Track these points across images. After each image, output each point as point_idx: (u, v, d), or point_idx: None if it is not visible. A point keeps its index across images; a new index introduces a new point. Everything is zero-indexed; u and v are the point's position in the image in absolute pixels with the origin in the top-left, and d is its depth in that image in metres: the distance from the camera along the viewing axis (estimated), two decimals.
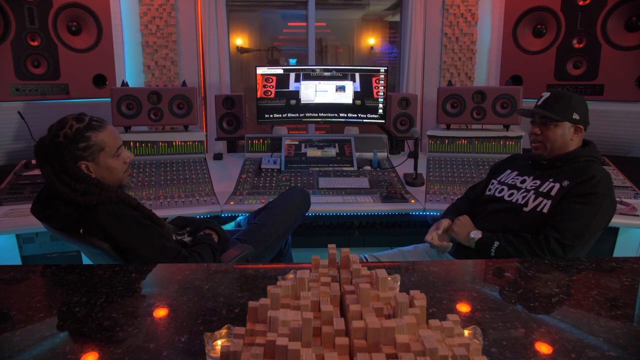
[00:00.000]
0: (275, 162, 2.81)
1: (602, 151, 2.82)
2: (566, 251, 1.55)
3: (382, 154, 2.99)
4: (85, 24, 2.90)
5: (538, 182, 1.73)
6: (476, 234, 1.69)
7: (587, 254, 1.69)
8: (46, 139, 1.44)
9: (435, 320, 0.73)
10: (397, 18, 4.11)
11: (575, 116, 1.68)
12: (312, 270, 0.93)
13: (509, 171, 1.90)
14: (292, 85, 2.97)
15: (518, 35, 3.16)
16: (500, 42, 3.29)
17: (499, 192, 1.83)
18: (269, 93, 2.97)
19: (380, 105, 3.01)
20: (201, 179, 2.65)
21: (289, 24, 4.50)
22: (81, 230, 1.43)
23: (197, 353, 0.84)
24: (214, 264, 1.52)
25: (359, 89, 3.00)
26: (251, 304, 0.76)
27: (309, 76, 2.98)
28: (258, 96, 2.96)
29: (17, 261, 2.17)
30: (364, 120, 3.04)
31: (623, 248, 2.24)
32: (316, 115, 3.04)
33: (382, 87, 3.00)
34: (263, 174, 2.73)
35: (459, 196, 2.13)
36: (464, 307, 1.03)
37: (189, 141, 2.87)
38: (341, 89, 3.00)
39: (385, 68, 2.99)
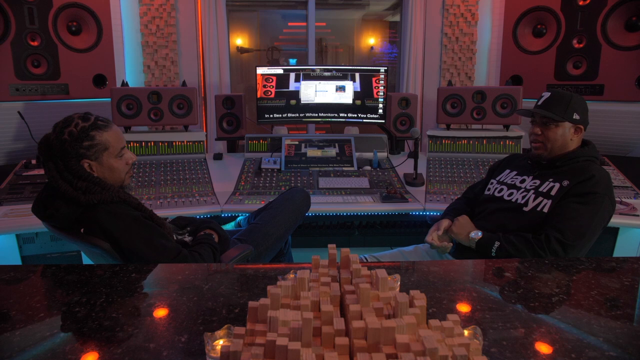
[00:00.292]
0: (275, 162, 2.81)
1: (602, 151, 2.83)
2: (567, 251, 1.55)
3: (382, 154, 2.99)
4: (85, 24, 2.90)
5: (538, 181, 1.73)
6: (476, 234, 1.69)
7: (587, 254, 1.69)
8: (51, 135, 1.44)
9: (435, 320, 0.73)
10: (397, 18, 4.11)
11: (576, 116, 1.68)
12: (312, 270, 0.93)
13: (508, 171, 1.90)
14: (292, 85, 2.98)
15: (518, 35, 3.16)
16: (500, 42, 3.29)
17: (499, 192, 1.83)
18: (269, 93, 2.97)
19: (380, 105, 3.01)
20: (201, 179, 2.65)
21: (289, 24, 4.50)
22: (82, 230, 1.43)
23: (197, 353, 0.84)
24: (214, 264, 1.53)
25: (359, 89, 3.00)
26: (251, 304, 0.76)
27: (309, 76, 2.98)
28: (258, 96, 2.96)
29: (17, 261, 2.17)
30: (364, 120, 3.04)
31: (623, 248, 2.24)
32: (316, 115, 3.04)
33: (382, 87, 3.00)
34: (263, 174, 2.73)
35: (459, 196, 2.13)
36: (464, 307, 1.03)
37: (189, 141, 2.87)
38: (341, 89, 3.00)
39: (385, 68, 2.99)
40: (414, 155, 2.63)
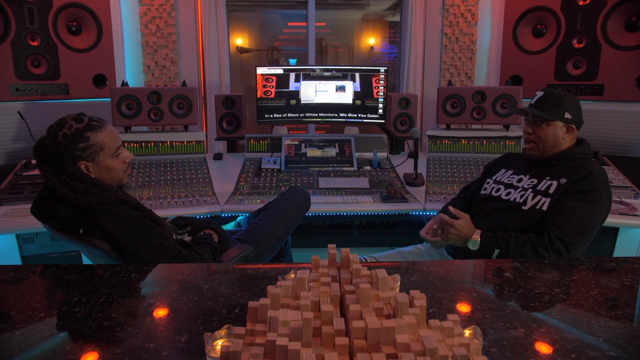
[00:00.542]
0: (275, 162, 2.81)
1: (602, 151, 2.83)
2: (569, 249, 1.55)
3: (382, 154, 2.99)
4: (85, 24, 2.90)
5: (535, 180, 1.73)
6: (474, 245, 1.64)
7: (586, 254, 1.70)
8: (45, 139, 1.44)
9: (435, 320, 0.73)
10: (397, 18, 4.11)
11: (567, 116, 1.68)
12: (312, 270, 0.93)
13: (504, 170, 1.90)
14: (292, 85, 2.98)
15: (518, 35, 3.16)
16: (500, 42, 3.29)
17: (496, 192, 1.83)
18: (269, 93, 2.97)
19: (380, 105, 3.01)
20: (201, 179, 2.65)
21: (289, 24, 4.50)
22: (81, 231, 1.43)
23: (197, 353, 0.84)
24: (214, 264, 1.53)
25: (359, 89, 3.00)
26: (251, 304, 0.76)
27: (309, 76, 2.98)
28: (258, 96, 2.96)
29: (17, 261, 2.16)
30: (364, 120, 3.04)
31: (623, 248, 2.24)
32: (316, 115, 3.04)
33: (382, 87, 3.00)
34: (263, 174, 2.73)
35: (454, 196, 2.13)
36: (464, 307, 1.03)
37: (189, 141, 2.87)
38: (341, 89, 3.00)
39: (385, 68, 2.99)
40: (414, 155, 2.63)
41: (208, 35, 3.42)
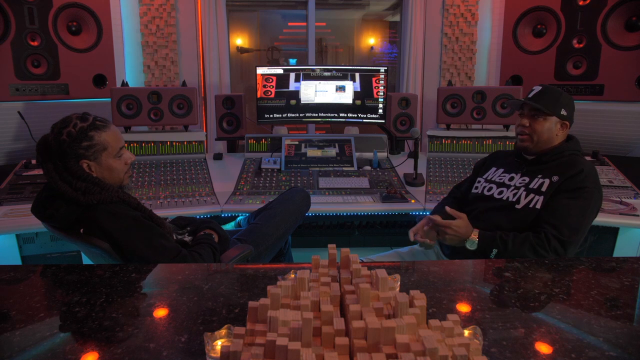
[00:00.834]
0: (275, 162, 2.81)
1: (602, 151, 2.83)
2: (566, 249, 1.56)
3: (382, 154, 2.99)
4: (85, 24, 2.90)
5: (527, 178, 1.75)
6: (472, 245, 1.65)
7: (586, 254, 1.70)
8: (49, 136, 1.44)
9: (435, 320, 0.73)
10: (397, 18, 4.11)
11: (563, 112, 1.71)
12: (312, 270, 0.93)
13: (494, 169, 1.90)
14: (292, 85, 2.98)
15: (518, 35, 3.16)
16: (500, 42, 3.29)
17: (488, 191, 1.83)
18: (269, 93, 2.97)
19: (380, 105, 3.01)
20: (201, 179, 2.65)
21: (289, 24, 4.50)
22: (81, 230, 1.43)
23: (197, 353, 0.84)
24: (214, 264, 1.53)
25: (359, 89, 3.00)
26: (251, 304, 0.76)
27: (309, 76, 2.98)
28: (258, 96, 2.96)
29: (17, 261, 2.17)
30: (364, 120, 3.04)
31: (623, 248, 2.24)
32: (316, 115, 3.04)
33: (382, 87, 3.00)
34: (263, 174, 2.73)
35: (445, 196, 2.13)
36: (464, 307, 1.03)
37: (189, 141, 2.87)
38: (341, 89, 3.00)
39: (385, 68, 2.99)
40: (414, 155, 2.63)
41: (208, 35, 3.42)
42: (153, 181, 2.59)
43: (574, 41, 2.94)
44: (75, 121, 1.44)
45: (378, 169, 2.83)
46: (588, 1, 2.86)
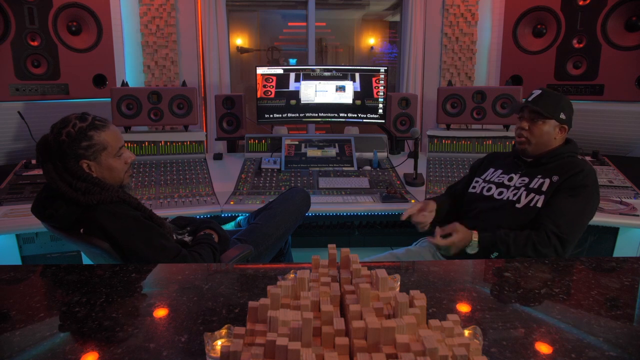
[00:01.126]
0: (275, 162, 2.81)
1: (602, 151, 2.83)
2: (564, 245, 1.58)
3: (382, 154, 2.99)
4: (85, 24, 2.89)
5: (526, 179, 1.76)
6: (472, 250, 1.65)
7: (586, 254, 1.70)
8: (49, 137, 1.44)
9: (435, 320, 0.73)
10: (397, 18, 4.11)
11: (562, 116, 1.73)
12: (312, 270, 0.93)
13: (492, 169, 1.92)
14: (292, 85, 2.97)
15: (518, 35, 3.16)
16: (500, 42, 3.29)
17: (487, 191, 1.84)
18: (269, 93, 2.97)
19: (380, 105, 3.01)
20: (201, 179, 2.65)
21: (289, 24, 4.50)
22: (81, 230, 1.43)
23: (197, 353, 0.84)
24: (214, 264, 1.53)
25: (359, 89, 3.00)
26: (251, 304, 0.76)
27: (309, 76, 2.97)
28: (258, 96, 2.96)
29: (17, 261, 2.16)
30: (364, 120, 3.04)
31: (623, 248, 2.24)
32: (316, 115, 3.04)
33: (382, 87, 3.00)
34: (263, 174, 2.73)
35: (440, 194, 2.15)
36: (464, 307, 1.03)
37: (189, 141, 2.87)
38: (341, 89, 3.00)
39: (385, 68, 2.99)
40: (414, 155, 2.63)
41: (208, 35, 3.42)
42: (153, 181, 2.59)
43: (574, 41, 2.94)
44: (75, 121, 1.44)
45: (378, 169, 2.83)
46: (588, 1, 2.86)
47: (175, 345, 0.87)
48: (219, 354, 0.68)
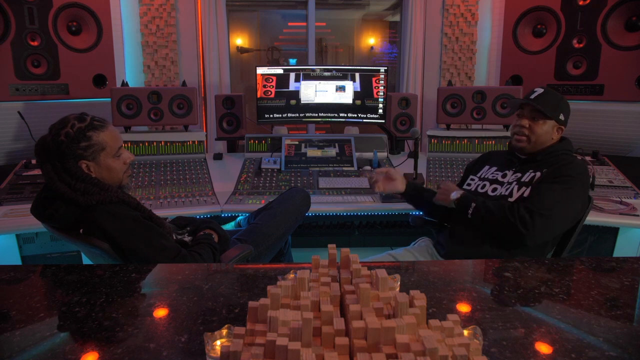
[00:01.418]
0: (275, 162, 2.81)
1: (602, 151, 2.83)
2: (534, 219, 1.57)
3: (382, 154, 2.99)
4: (85, 24, 2.89)
5: (519, 174, 1.78)
6: (456, 194, 1.77)
7: (587, 254, 1.70)
8: (47, 137, 1.44)
9: (435, 320, 0.73)
10: (397, 18, 4.11)
11: (561, 117, 1.75)
12: (312, 270, 0.93)
13: (487, 167, 1.94)
14: (292, 85, 2.97)
15: (518, 35, 3.16)
16: (500, 42, 3.29)
17: (482, 188, 1.86)
18: (269, 93, 2.97)
19: (380, 105, 3.01)
20: (201, 179, 2.65)
21: (289, 24, 4.50)
22: (81, 230, 1.43)
23: (197, 353, 0.84)
24: (214, 264, 1.52)
25: (359, 89, 3.00)
26: (251, 304, 0.76)
27: (309, 76, 2.97)
28: (258, 96, 2.96)
29: (17, 261, 2.16)
30: (364, 120, 3.04)
31: (623, 248, 2.24)
32: (316, 115, 3.04)
33: (382, 87, 3.00)
34: (263, 174, 2.73)
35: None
36: (464, 307, 1.03)
37: (189, 141, 2.87)
38: (341, 89, 3.00)
39: (385, 68, 2.99)
40: (414, 155, 2.63)
41: (208, 35, 3.42)
42: (153, 181, 2.59)
43: (574, 41, 2.94)
44: (73, 122, 1.44)
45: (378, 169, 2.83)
46: (588, 1, 2.86)
47: (175, 345, 0.87)
48: (219, 354, 0.68)
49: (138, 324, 0.96)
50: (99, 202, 1.41)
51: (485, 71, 3.59)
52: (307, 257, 1.00)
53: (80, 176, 1.43)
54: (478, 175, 1.94)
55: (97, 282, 1.14)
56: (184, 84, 2.95)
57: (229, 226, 2.26)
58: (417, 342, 0.67)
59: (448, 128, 2.97)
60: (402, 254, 1.94)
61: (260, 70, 2.94)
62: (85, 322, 0.95)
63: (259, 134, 3.04)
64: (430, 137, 2.95)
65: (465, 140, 2.91)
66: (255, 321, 0.75)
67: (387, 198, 2.39)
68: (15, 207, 2.19)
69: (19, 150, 2.80)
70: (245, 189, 2.56)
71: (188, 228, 1.80)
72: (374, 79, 2.99)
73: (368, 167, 2.85)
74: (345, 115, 3.04)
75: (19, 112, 2.67)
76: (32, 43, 2.71)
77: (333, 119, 3.06)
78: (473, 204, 1.70)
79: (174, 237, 1.63)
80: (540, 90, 1.76)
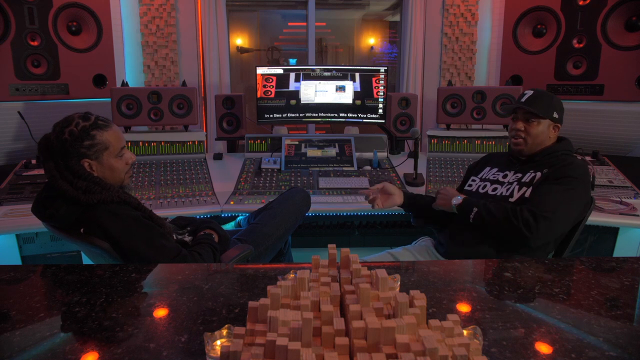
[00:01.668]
0: (275, 162, 2.81)
1: (602, 151, 2.83)
2: (538, 221, 1.56)
3: (382, 154, 2.99)
4: (85, 24, 2.89)
5: (520, 174, 1.79)
6: (457, 200, 1.76)
7: (587, 254, 1.70)
8: (51, 135, 1.44)
9: (435, 320, 0.73)
10: (397, 18, 4.10)
11: (555, 115, 1.76)
12: (312, 270, 0.93)
13: (488, 168, 1.94)
14: (292, 85, 2.97)
15: (518, 35, 3.16)
16: (500, 42, 3.29)
17: (482, 189, 1.87)
18: (269, 93, 2.97)
19: (380, 105, 3.01)
20: (201, 179, 2.65)
21: (289, 24, 4.50)
22: (82, 230, 1.43)
23: (197, 353, 0.84)
24: (214, 264, 1.53)
25: (359, 89, 3.00)
26: (251, 304, 0.76)
27: (309, 76, 2.97)
28: (258, 96, 2.96)
29: (17, 261, 2.17)
30: (364, 120, 3.04)
31: (623, 248, 2.24)
32: (316, 115, 3.04)
33: (382, 87, 3.00)
34: (263, 174, 2.73)
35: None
36: (464, 307, 1.03)
37: (189, 141, 2.87)
38: (341, 89, 3.00)
39: (385, 68, 2.99)
40: (414, 155, 2.63)
41: (208, 35, 3.42)
42: (153, 181, 2.59)
43: (574, 41, 2.94)
44: (78, 120, 1.44)
45: (378, 169, 2.83)
46: (588, 1, 2.86)
47: (175, 345, 0.87)
48: (219, 354, 0.68)
49: (138, 324, 0.96)
50: (100, 201, 1.41)
51: (485, 71, 3.59)
52: (307, 257, 1.00)
53: (83, 175, 1.43)
54: (479, 176, 1.94)
55: (97, 282, 1.14)
56: (184, 84, 2.95)
57: (229, 226, 2.26)
58: (417, 342, 0.67)
59: (448, 128, 2.97)
60: (402, 252, 1.94)
61: (260, 70, 2.94)
62: (85, 322, 0.95)
63: (259, 134, 3.04)
64: (430, 137, 2.95)
65: (465, 141, 2.91)
66: (255, 321, 0.75)
67: None
68: (15, 207, 2.19)
69: (19, 150, 2.80)
70: (245, 189, 2.56)
71: (188, 228, 1.80)
72: (374, 79, 2.99)
73: (368, 167, 2.85)
74: (345, 115, 3.04)
75: (19, 112, 2.67)
76: (32, 43, 2.71)
77: (333, 119, 3.06)
78: (475, 209, 1.69)
79: (174, 237, 1.63)
80: (530, 92, 1.78)
